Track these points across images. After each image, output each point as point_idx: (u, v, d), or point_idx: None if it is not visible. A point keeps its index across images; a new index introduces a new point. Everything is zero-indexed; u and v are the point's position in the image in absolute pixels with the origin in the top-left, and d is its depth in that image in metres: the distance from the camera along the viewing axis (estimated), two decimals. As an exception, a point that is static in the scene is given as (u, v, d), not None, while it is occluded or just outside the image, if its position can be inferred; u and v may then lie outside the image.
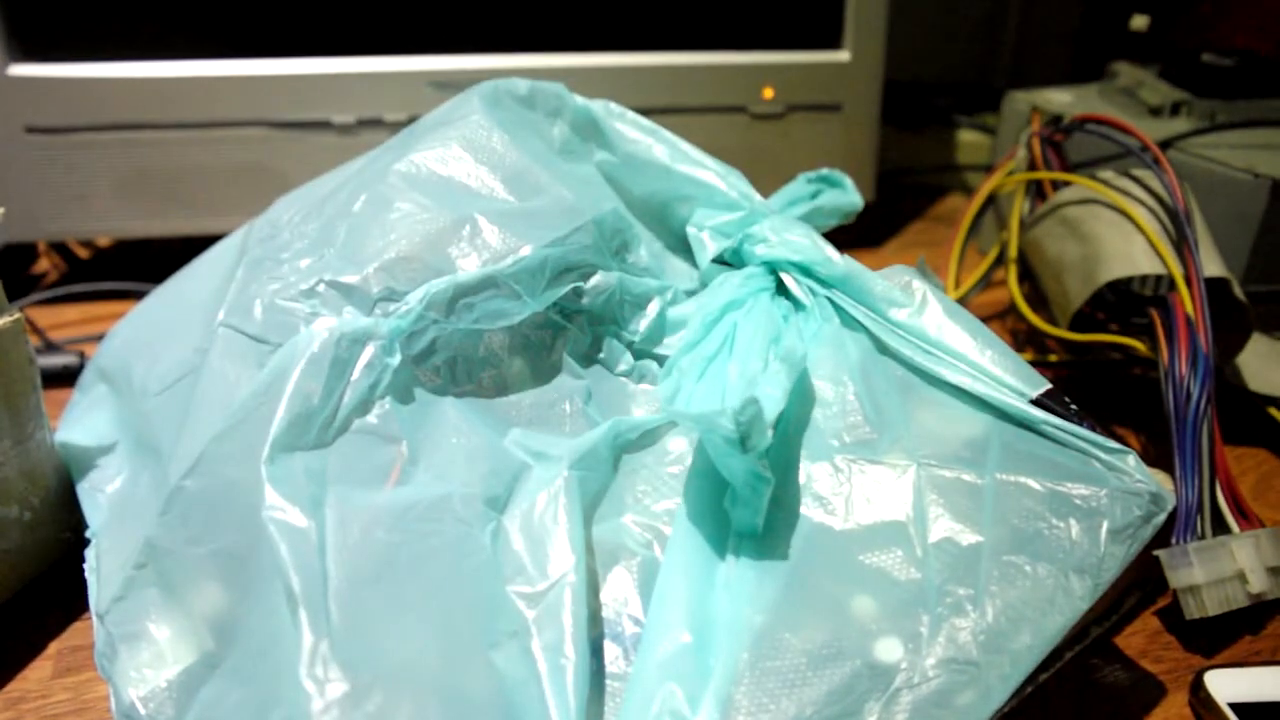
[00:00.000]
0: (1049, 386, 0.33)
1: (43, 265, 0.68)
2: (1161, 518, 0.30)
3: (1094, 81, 0.67)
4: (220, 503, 0.29)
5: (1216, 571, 0.34)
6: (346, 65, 0.58)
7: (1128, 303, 0.46)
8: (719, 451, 0.29)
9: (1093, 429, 0.32)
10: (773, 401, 0.29)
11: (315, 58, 0.58)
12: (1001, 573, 0.28)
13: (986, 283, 0.55)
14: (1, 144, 0.57)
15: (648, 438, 0.34)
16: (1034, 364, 0.34)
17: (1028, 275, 0.52)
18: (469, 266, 0.34)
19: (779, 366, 0.31)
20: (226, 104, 0.58)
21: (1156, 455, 0.46)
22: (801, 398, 0.33)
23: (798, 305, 0.37)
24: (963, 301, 0.53)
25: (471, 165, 0.37)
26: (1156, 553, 0.35)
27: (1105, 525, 0.29)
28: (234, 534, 0.28)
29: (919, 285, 0.35)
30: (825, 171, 0.45)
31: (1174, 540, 0.35)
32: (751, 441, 0.27)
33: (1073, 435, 0.31)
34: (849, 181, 0.44)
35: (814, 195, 0.44)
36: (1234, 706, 0.31)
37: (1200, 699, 0.32)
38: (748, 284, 0.36)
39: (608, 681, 0.28)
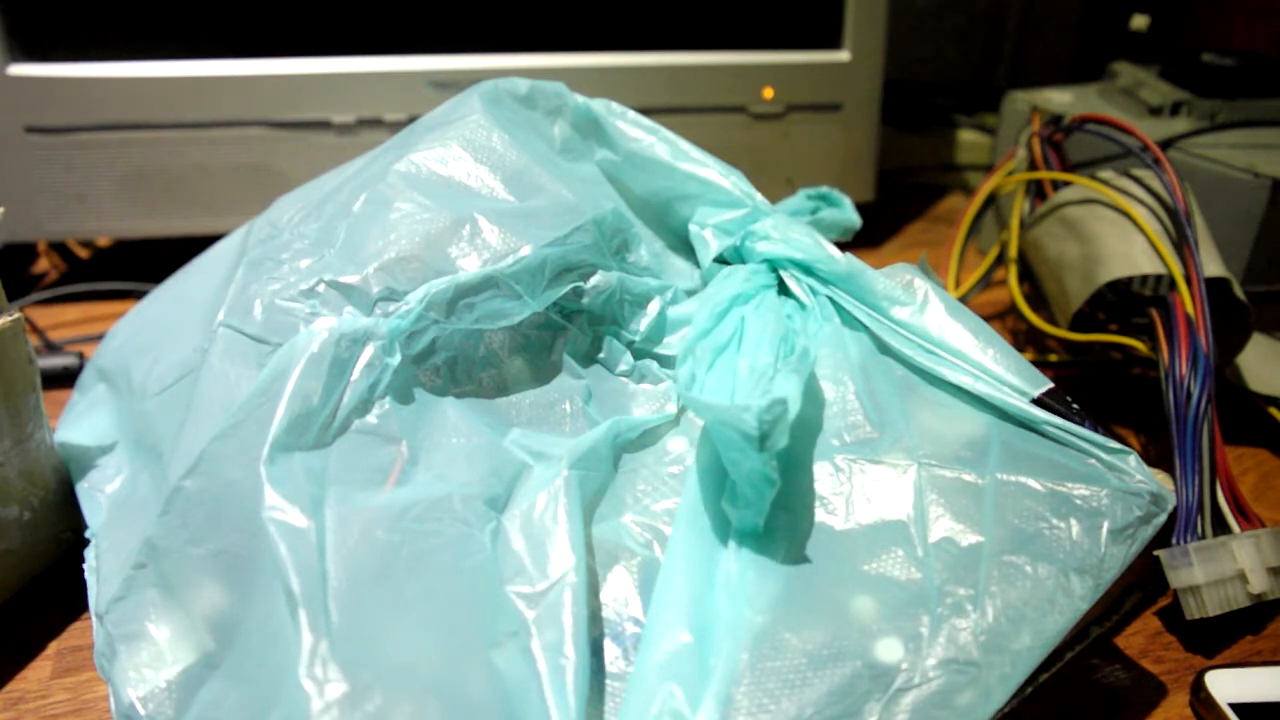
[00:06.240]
0: (1051, 386, 0.33)
1: (43, 265, 0.68)
2: (1162, 518, 0.30)
3: (1094, 81, 0.67)
4: (220, 503, 0.29)
5: (1217, 571, 0.34)
6: (346, 65, 0.58)
7: (1128, 303, 0.46)
8: (731, 447, 0.28)
9: (1094, 429, 0.31)
10: (792, 403, 0.29)
11: (315, 58, 0.58)
12: (1002, 573, 0.28)
13: (986, 283, 0.55)
14: (1, 144, 0.57)
15: (648, 438, 0.34)
16: (1034, 364, 0.35)
17: (1028, 275, 0.52)
18: (469, 266, 0.34)
19: (796, 364, 0.31)
20: (226, 104, 0.58)
21: (1156, 455, 0.46)
22: (803, 397, 0.33)
23: (799, 305, 0.37)
24: (963, 301, 0.53)
25: (471, 165, 0.36)
26: (1157, 553, 0.35)
27: (1106, 525, 0.29)
28: (234, 534, 0.28)
29: (920, 284, 0.35)
30: (825, 190, 0.45)
31: (1174, 540, 0.35)
32: (771, 441, 0.27)
33: (1073, 435, 0.31)
34: (848, 201, 0.45)
35: (814, 210, 0.45)
36: (1235, 707, 0.31)
37: (1201, 699, 0.32)
38: (753, 279, 0.36)
39: (608, 681, 0.28)
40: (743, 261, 0.39)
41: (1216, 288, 0.43)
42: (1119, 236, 0.45)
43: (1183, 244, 0.43)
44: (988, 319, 0.57)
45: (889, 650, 0.27)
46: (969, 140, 0.81)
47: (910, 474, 0.31)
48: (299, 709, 0.24)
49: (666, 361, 0.37)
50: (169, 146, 0.58)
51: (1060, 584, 0.28)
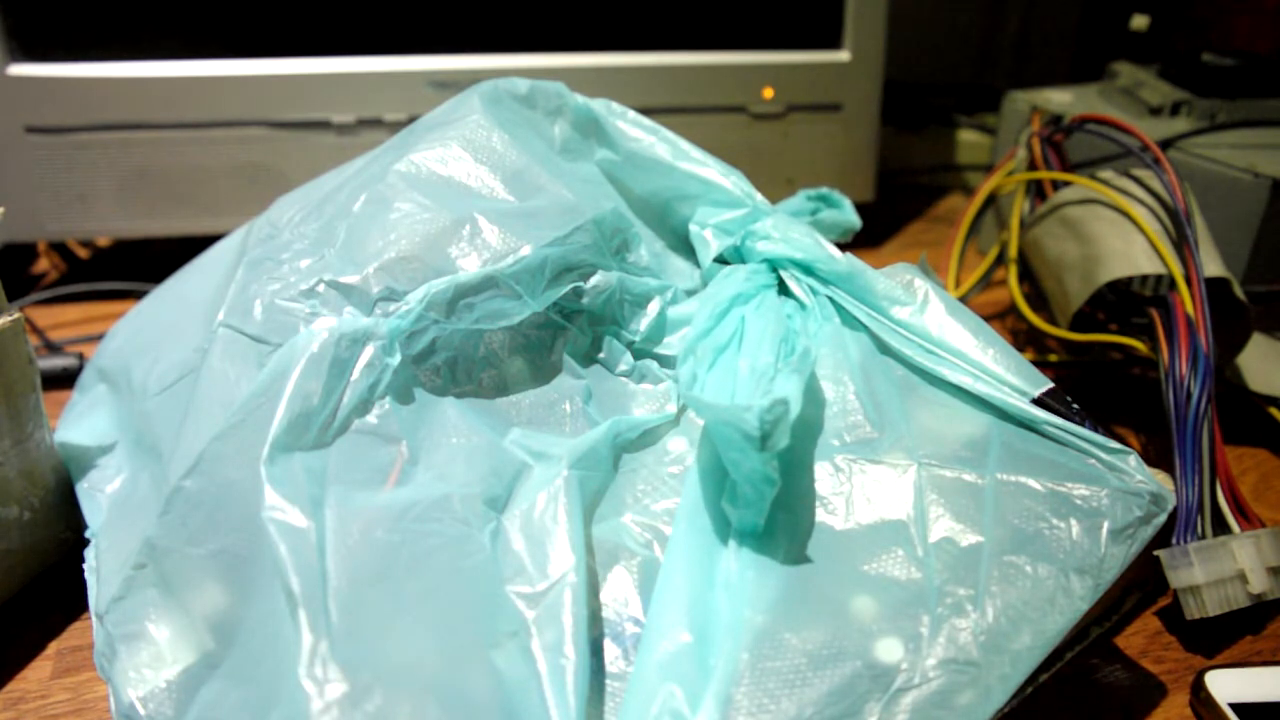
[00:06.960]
0: (1051, 386, 0.33)
1: (43, 265, 0.68)
2: (1162, 518, 0.30)
3: (1094, 81, 0.67)
4: (220, 503, 0.29)
5: (1217, 571, 0.34)
6: (346, 65, 0.58)
7: (1128, 303, 0.46)
8: (731, 447, 0.28)
9: (1094, 429, 0.31)
10: (793, 403, 0.29)
11: (315, 58, 0.58)
12: (1002, 573, 0.28)
13: (986, 283, 0.55)
14: (1, 144, 0.57)
15: (648, 438, 0.34)
16: (1034, 364, 0.35)
17: (1028, 275, 0.52)
18: (469, 266, 0.34)
19: (797, 364, 0.31)
20: (226, 104, 0.58)
21: (1156, 455, 0.46)
22: (804, 397, 0.33)
23: (799, 305, 0.37)
24: (963, 301, 0.53)
25: (471, 165, 0.36)
26: (1157, 553, 0.35)
27: (1106, 525, 0.29)
28: (234, 534, 0.28)
29: (921, 283, 0.35)
30: (825, 190, 0.45)
31: (1174, 540, 0.35)
32: (772, 441, 0.27)
33: (1073, 435, 0.31)
34: (848, 203, 0.45)
35: (814, 211, 0.45)
36: (1235, 707, 0.31)
37: (1201, 699, 0.32)
38: (753, 279, 0.36)
39: (608, 681, 0.28)
40: (743, 261, 0.39)
41: (1216, 288, 0.43)
42: (1119, 236, 0.45)
43: (1183, 244, 0.43)
44: (988, 319, 0.57)
45: (889, 650, 0.27)
46: (969, 140, 0.81)
47: (910, 474, 0.31)
48: (299, 709, 0.24)
49: (666, 361, 0.37)
50: (169, 146, 0.58)
51: (1060, 584, 0.28)
